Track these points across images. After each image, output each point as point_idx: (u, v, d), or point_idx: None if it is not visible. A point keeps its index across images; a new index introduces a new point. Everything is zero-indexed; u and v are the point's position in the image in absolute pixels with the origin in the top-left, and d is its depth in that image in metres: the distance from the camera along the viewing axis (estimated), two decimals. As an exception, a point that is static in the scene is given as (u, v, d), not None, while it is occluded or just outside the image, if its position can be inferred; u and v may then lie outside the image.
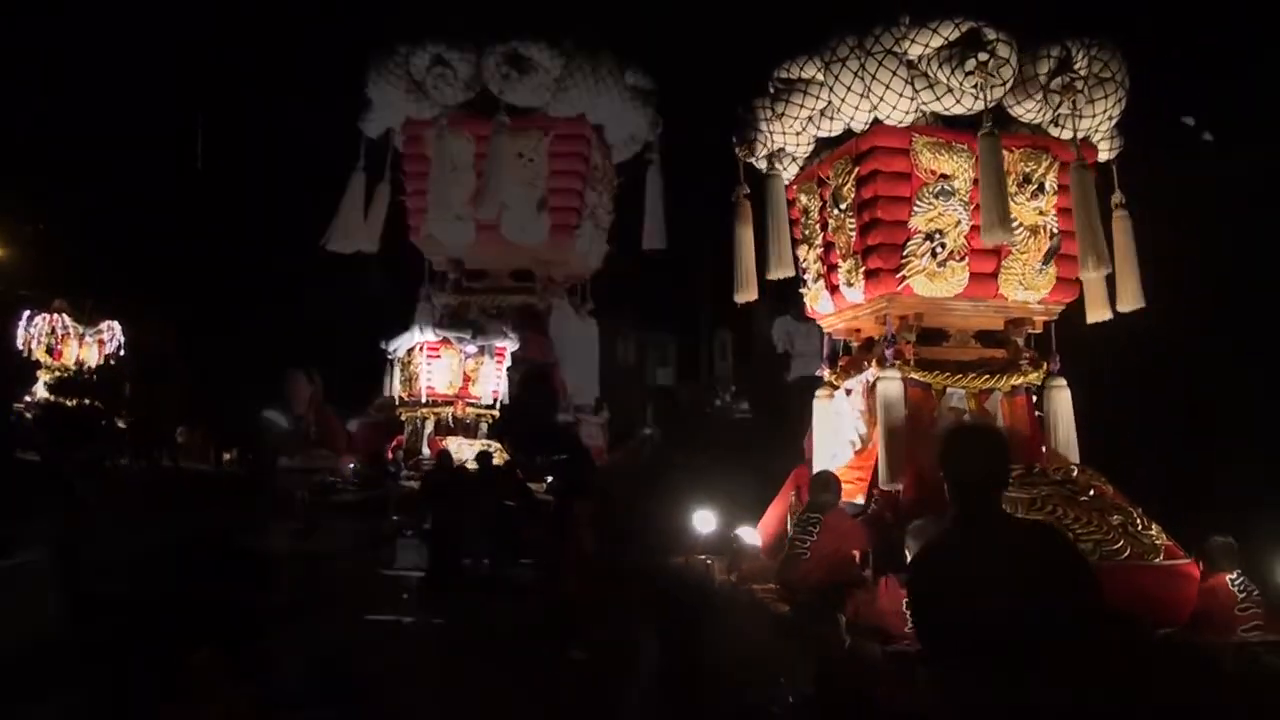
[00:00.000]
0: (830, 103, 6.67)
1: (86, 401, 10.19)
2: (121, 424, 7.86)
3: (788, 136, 7.02)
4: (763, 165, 7.24)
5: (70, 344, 10.91)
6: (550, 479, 7.86)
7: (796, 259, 7.41)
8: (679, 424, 7.83)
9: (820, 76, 6.68)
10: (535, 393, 7.07)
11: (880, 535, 6.13)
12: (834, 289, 7.11)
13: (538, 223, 9.99)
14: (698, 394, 13.89)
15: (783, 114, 6.90)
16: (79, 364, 10.85)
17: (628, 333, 49.51)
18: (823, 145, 7.02)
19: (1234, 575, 5.64)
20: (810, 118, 6.89)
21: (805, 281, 7.47)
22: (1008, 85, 6.46)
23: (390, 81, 9.94)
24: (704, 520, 6.93)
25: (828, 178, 7.04)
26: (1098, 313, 6.89)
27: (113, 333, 11.01)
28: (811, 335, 25.53)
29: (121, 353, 10.99)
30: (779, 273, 7.14)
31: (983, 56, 6.30)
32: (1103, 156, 6.91)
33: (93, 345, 10.82)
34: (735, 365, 49.36)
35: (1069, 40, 6.49)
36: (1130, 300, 6.95)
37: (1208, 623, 5.69)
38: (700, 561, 6.72)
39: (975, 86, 6.35)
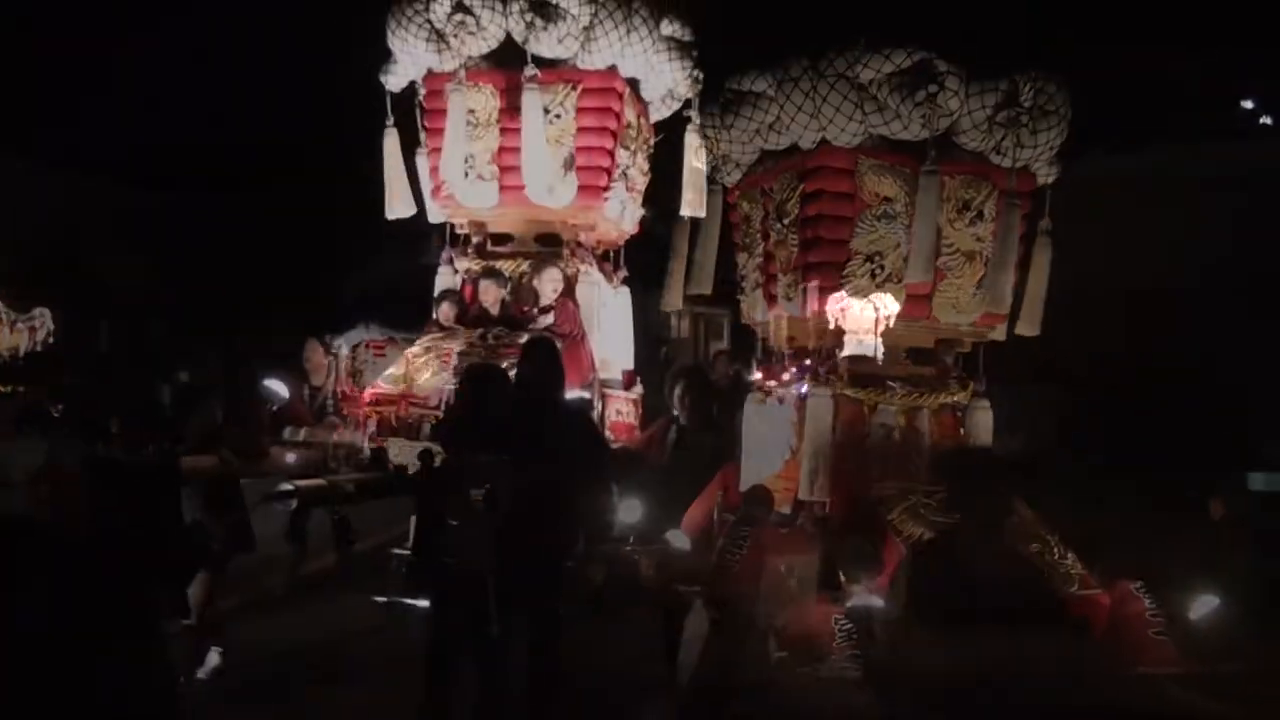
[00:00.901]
0: (779, 118, 6.84)
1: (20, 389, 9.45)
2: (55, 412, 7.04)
3: (734, 146, 7.25)
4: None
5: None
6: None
7: (736, 265, 7.73)
8: (704, 404, 6.84)
9: (771, 92, 6.85)
10: (483, 388, 6.15)
11: (809, 551, 6.20)
12: (771, 299, 7.33)
13: (565, 183, 9.04)
14: (728, 370, 12.81)
15: (731, 125, 7.14)
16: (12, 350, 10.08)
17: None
18: (767, 155, 7.23)
19: (1136, 584, 6.05)
20: (759, 130, 7.04)
21: (744, 289, 7.66)
22: (954, 117, 6.66)
23: (411, 30, 9.04)
24: (630, 509, 6.92)
25: (771, 189, 7.22)
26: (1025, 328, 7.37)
27: (44, 320, 10.19)
28: (867, 312, 24.77)
29: (51, 340, 10.15)
30: (697, 288, 7.69)
31: (932, 88, 6.50)
32: (1040, 182, 7.21)
33: (24, 332, 10.01)
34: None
35: (1016, 74, 6.75)
36: (1029, 325, 7.51)
37: (1118, 639, 5.92)
38: (628, 554, 6.83)
39: (923, 117, 6.55)
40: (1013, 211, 6.89)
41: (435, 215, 9.70)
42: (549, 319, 8.78)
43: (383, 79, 9.53)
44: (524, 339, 8.36)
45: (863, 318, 21.00)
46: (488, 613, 5.86)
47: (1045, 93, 6.79)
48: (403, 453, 7.80)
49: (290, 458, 8.18)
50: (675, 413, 7.43)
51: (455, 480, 5.89)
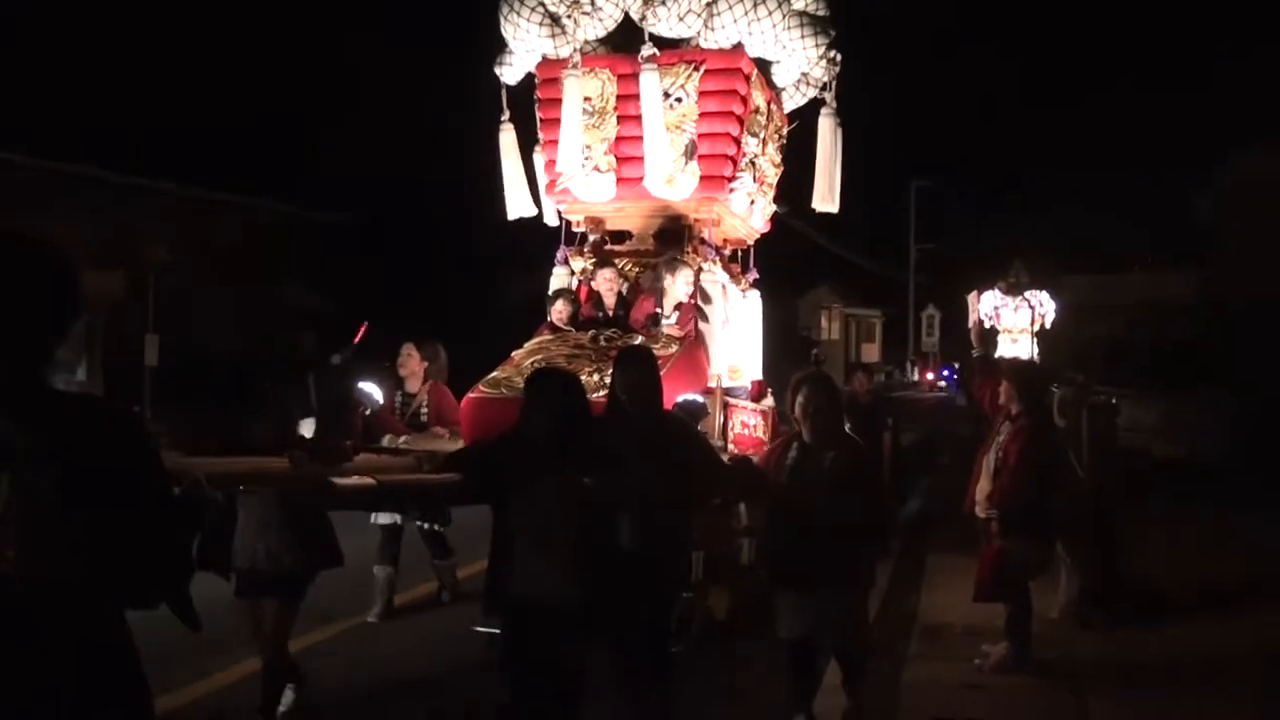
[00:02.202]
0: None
1: None
2: None
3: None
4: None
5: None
6: None
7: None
8: (830, 417, 5.66)
9: None
10: (551, 395, 5.20)
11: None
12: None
13: (686, 173, 8.01)
14: (867, 385, 11.62)
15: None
16: None
17: (830, 306, 47.38)
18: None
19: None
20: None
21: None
22: None
23: (524, 14, 8.14)
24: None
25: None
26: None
27: None
28: (1021, 310, 23.38)
29: None
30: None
31: None
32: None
33: None
34: (942, 341, 47.04)
35: None
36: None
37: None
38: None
39: None
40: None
41: (550, 214, 8.83)
42: (671, 322, 7.76)
43: (497, 71, 8.71)
44: (637, 340, 7.44)
45: (1017, 318, 19.79)
46: (568, 660, 4.93)
47: None
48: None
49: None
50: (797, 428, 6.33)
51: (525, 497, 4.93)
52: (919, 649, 7.53)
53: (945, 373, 44.82)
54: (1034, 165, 47.20)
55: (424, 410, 7.98)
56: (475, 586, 7.57)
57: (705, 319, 7.93)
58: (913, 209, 50.82)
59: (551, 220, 8.83)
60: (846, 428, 6.06)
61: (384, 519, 8.07)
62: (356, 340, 9.06)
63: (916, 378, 49.20)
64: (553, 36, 8.16)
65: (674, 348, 7.41)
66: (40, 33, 19.13)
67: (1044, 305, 23.39)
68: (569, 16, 7.95)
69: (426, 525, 8.20)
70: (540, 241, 9.00)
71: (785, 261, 36.65)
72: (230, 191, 21.62)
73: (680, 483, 5.40)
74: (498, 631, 5.27)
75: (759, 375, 8.79)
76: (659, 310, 7.83)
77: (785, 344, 31.83)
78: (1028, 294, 23.31)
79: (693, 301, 7.86)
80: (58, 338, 2.45)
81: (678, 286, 7.85)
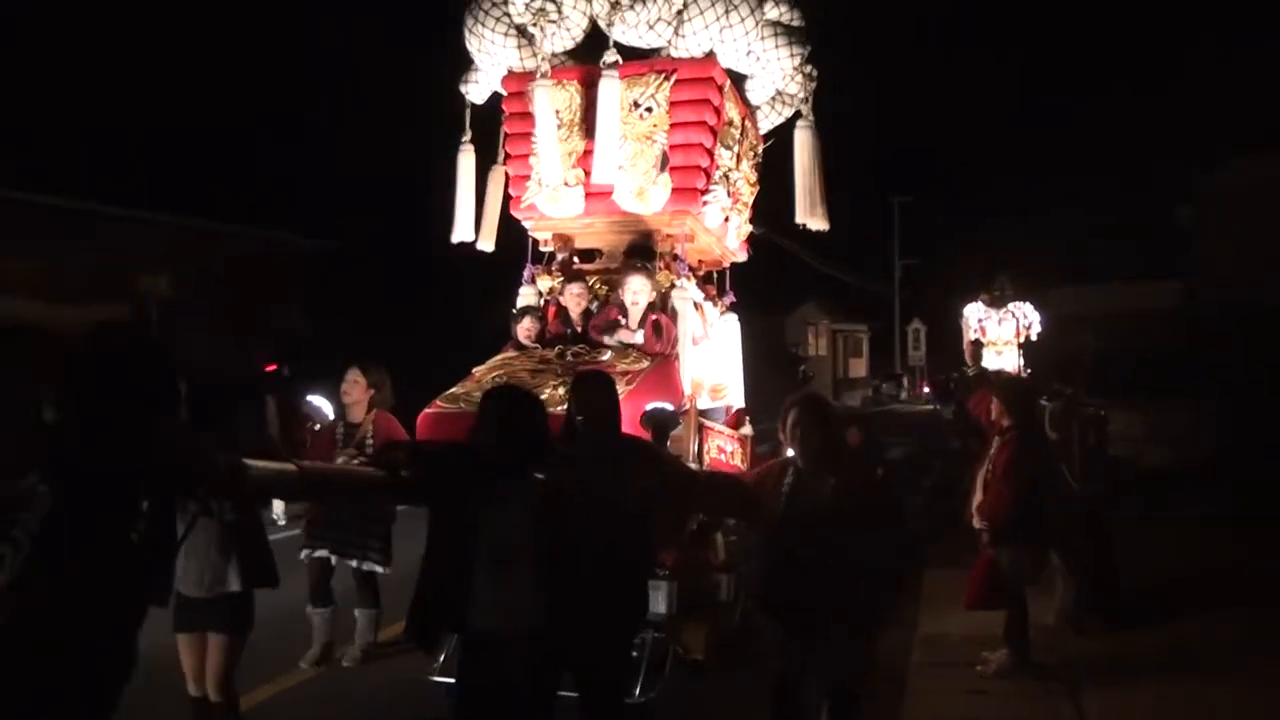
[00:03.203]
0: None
1: None
2: None
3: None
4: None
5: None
6: None
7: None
8: (823, 441, 5.09)
9: None
10: (511, 411, 4.69)
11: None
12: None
13: (657, 186, 7.49)
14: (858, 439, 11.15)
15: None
16: None
17: (816, 323, 47.02)
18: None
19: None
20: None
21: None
22: None
23: (488, 26, 7.66)
24: None
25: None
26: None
27: None
28: (1006, 323, 23.00)
29: None
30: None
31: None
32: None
33: None
34: (929, 355, 46.83)
35: None
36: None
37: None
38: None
39: None
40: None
41: (487, 241, 8.35)
42: (635, 337, 7.23)
43: (463, 90, 8.21)
44: (605, 355, 6.93)
45: (1001, 330, 19.59)
46: (530, 698, 4.48)
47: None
48: None
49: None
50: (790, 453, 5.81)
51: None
52: (920, 657, 7.73)
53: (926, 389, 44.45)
54: (1016, 178, 46.86)
55: (369, 441, 7.34)
56: (375, 658, 7.35)
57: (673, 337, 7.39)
58: (896, 224, 50.48)
59: (487, 247, 8.31)
60: None
61: (305, 555, 7.46)
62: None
63: (905, 395, 48.61)
64: (519, 48, 7.70)
65: (644, 363, 6.89)
66: (24, 63, 18.69)
67: (1028, 317, 23.05)
68: (535, 26, 7.46)
69: (363, 566, 7.52)
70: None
71: (771, 278, 36.40)
72: (223, 221, 21.32)
73: (638, 512, 4.90)
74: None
75: (740, 402, 8.26)
76: (621, 320, 7.30)
77: (773, 361, 31.45)
78: (1012, 306, 22.99)
79: (659, 317, 7.30)
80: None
81: (625, 295, 7.32)
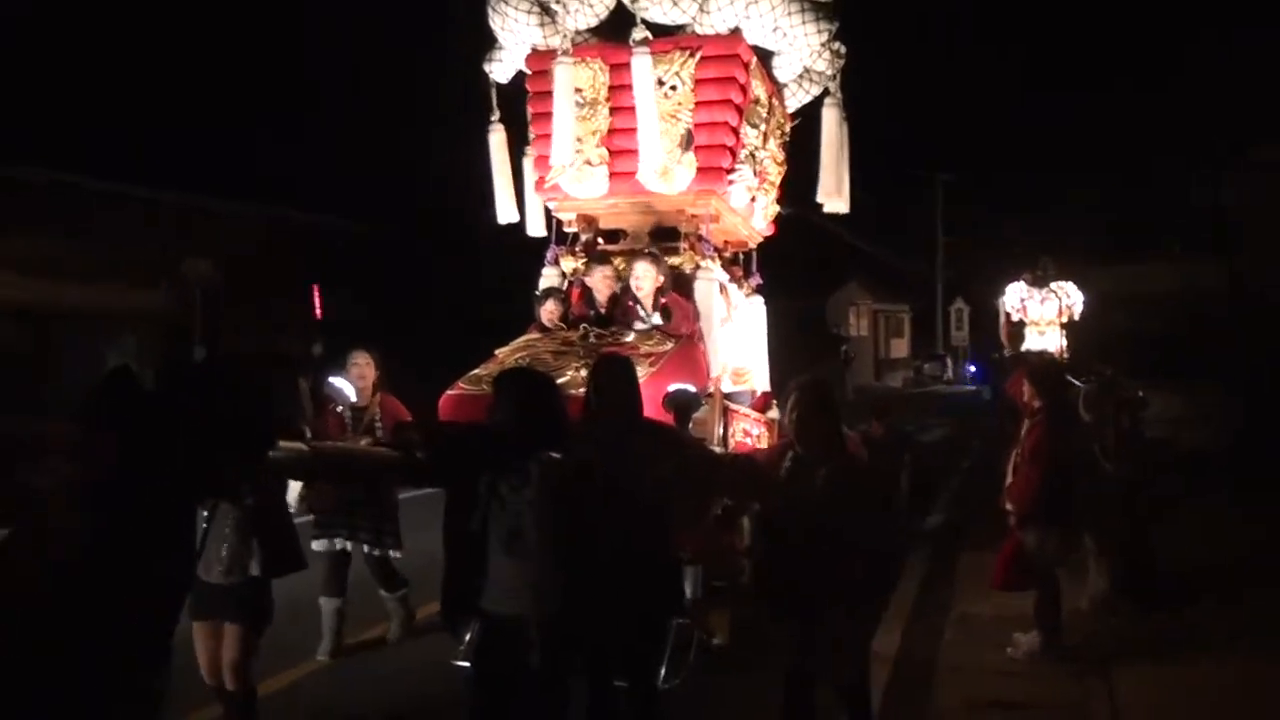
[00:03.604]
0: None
1: None
2: None
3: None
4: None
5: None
6: None
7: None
8: (821, 426, 4.93)
9: None
10: (526, 395, 4.56)
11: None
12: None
13: (682, 165, 7.36)
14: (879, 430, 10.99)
15: None
16: None
17: (858, 303, 46.70)
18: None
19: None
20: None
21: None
22: None
23: (512, 4, 7.54)
24: None
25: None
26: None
27: None
28: (1048, 303, 22.61)
29: None
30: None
31: None
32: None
33: None
34: (972, 334, 46.25)
35: None
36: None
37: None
38: None
39: None
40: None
41: (534, 223, 8.23)
42: (654, 319, 7.10)
43: (487, 69, 8.09)
44: (628, 337, 6.80)
45: (1044, 310, 19.32)
46: (546, 683, 4.37)
47: None
48: None
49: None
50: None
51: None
52: (953, 636, 7.74)
53: (973, 369, 43.81)
54: (1063, 156, 46.11)
55: (378, 424, 7.22)
56: (433, 624, 7.04)
57: (698, 317, 7.26)
58: (939, 202, 49.78)
59: (535, 230, 8.19)
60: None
61: (322, 545, 7.34)
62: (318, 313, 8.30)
63: (948, 375, 48.03)
64: (542, 26, 7.57)
65: (668, 345, 6.76)
66: (50, 47, 18.77)
67: (1071, 297, 22.66)
68: (559, 3, 7.32)
69: (375, 551, 7.39)
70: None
71: (812, 259, 36.17)
72: (265, 202, 21.41)
73: (658, 497, 4.78)
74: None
75: (765, 385, 8.11)
76: (639, 310, 7.16)
77: (814, 342, 31.22)
78: (1055, 286, 22.60)
79: (667, 299, 7.16)
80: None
81: (634, 280, 7.20)
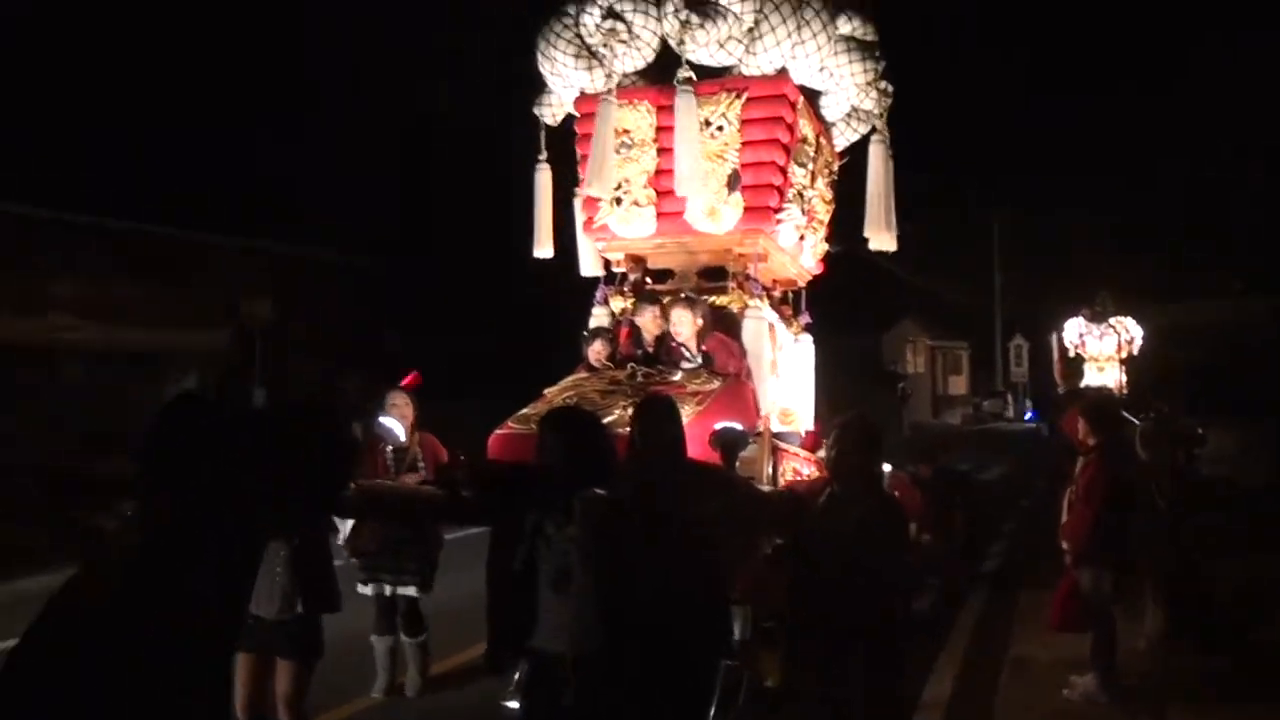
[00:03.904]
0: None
1: None
2: None
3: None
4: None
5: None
6: None
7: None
8: (858, 462, 4.89)
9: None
10: (572, 435, 4.57)
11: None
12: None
13: (728, 205, 7.37)
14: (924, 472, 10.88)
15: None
16: None
17: (914, 339, 46.41)
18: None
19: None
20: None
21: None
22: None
23: (559, 47, 7.60)
24: None
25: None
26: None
27: None
28: (1107, 338, 22.33)
29: None
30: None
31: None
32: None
33: None
34: (1031, 370, 45.81)
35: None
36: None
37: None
38: None
39: None
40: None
41: (587, 263, 8.24)
42: (695, 360, 7.10)
43: (537, 112, 8.18)
44: (676, 376, 6.79)
45: (1103, 346, 19.04)
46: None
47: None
48: None
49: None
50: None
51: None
52: (1009, 678, 7.71)
53: (1030, 415, 42.83)
54: (1123, 190, 45.60)
55: (420, 463, 7.28)
56: (448, 684, 7.29)
57: (745, 354, 7.23)
58: (995, 237, 49.40)
59: (588, 270, 8.21)
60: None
61: (369, 589, 7.38)
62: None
63: (1008, 413, 47.43)
64: (590, 70, 7.61)
65: (715, 383, 6.74)
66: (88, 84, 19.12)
67: (1130, 332, 22.36)
68: (606, 46, 7.36)
69: (398, 590, 7.40)
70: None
71: (867, 295, 36.03)
72: (325, 245, 21.67)
73: (704, 536, 4.75)
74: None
75: (810, 425, 8.06)
76: (685, 352, 7.15)
77: (868, 379, 31.03)
78: (1114, 321, 22.33)
79: (710, 341, 7.16)
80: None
81: (672, 327, 7.20)
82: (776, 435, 7.16)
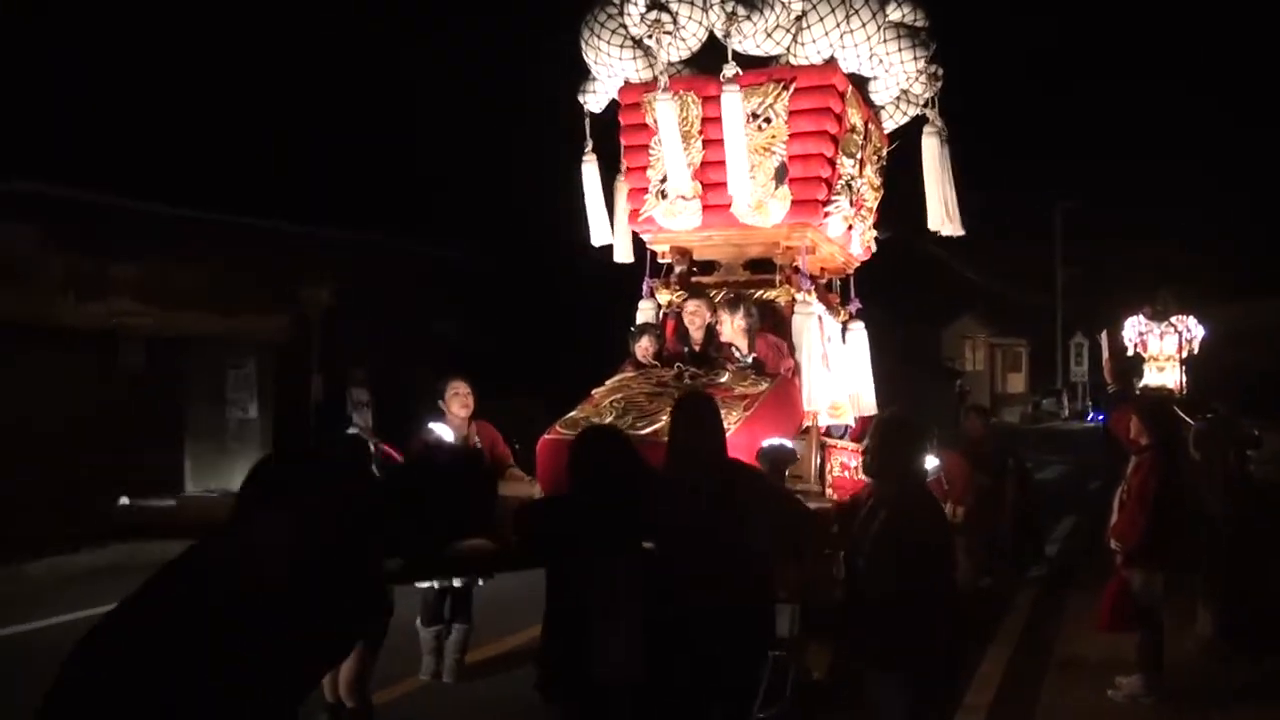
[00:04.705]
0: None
1: None
2: None
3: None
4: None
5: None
6: None
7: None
8: (894, 459, 4.74)
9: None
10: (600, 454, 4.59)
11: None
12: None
13: (776, 198, 7.26)
14: (980, 426, 10.71)
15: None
16: None
17: (973, 335, 45.80)
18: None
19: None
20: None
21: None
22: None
23: (604, 37, 7.51)
24: None
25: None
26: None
27: None
28: (1168, 337, 21.90)
29: None
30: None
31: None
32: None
33: None
34: (1092, 369, 45.05)
35: None
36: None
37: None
38: None
39: None
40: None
41: (623, 251, 8.17)
42: (750, 359, 7.01)
43: (581, 100, 8.07)
44: (723, 378, 6.70)
45: (1163, 345, 18.60)
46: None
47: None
48: None
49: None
50: None
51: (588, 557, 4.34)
52: (1055, 679, 7.65)
53: (1092, 415, 41.87)
54: (1187, 185, 44.80)
55: (485, 453, 7.23)
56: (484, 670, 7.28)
57: (795, 352, 7.11)
58: (1058, 231, 48.69)
59: (623, 257, 8.14)
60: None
61: (421, 583, 7.38)
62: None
63: (1066, 412, 46.73)
64: (635, 59, 7.53)
65: (764, 385, 6.63)
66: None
67: (1191, 331, 21.87)
68: (651, 37, 7.27)
69: (461, 581, 7.37)
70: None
71: (927, 290, 35.67)
72: (385, 233, 21.72)
73: (745, 552, 4.68)
74: None
75: (873, 410, 7.87)
76: (736, 352, 7.06)
77: (927, 375, 30.70)
78: (1175, 320, 21.85)
79: (768, 336, 7.07)
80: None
81: (725, 331, 7.13)
82: (824, 431, 7.06)
